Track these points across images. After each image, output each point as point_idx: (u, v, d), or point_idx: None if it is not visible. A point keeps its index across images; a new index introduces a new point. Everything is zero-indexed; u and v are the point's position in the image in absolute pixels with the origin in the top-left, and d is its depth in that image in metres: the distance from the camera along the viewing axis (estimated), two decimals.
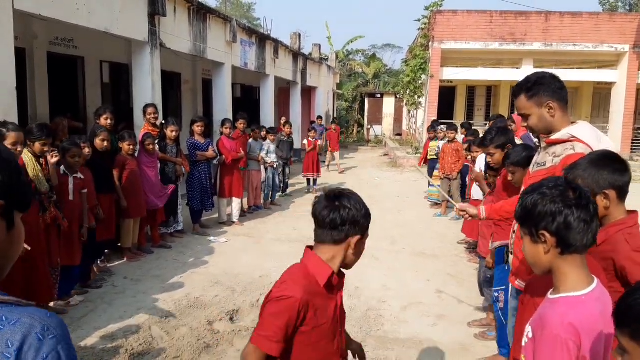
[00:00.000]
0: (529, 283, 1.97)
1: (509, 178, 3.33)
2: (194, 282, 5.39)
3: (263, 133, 9.09)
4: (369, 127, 28.24)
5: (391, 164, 17.07)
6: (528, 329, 1.53)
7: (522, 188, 2.33)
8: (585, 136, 2.31)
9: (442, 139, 9.19)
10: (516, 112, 2.63)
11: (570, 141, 2.32)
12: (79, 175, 4.74)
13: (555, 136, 2.38)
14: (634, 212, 1.99)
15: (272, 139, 9.23)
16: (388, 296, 5.04)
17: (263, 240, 7.18)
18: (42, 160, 4.28)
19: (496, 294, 3.56)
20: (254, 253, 6.53)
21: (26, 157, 4.11)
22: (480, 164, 5.32)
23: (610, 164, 1.92)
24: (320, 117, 16.47)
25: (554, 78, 2.40)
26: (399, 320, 4.50)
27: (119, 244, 6.10)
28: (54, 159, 4.32)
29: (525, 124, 2.49)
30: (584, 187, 1.55)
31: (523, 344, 1.55)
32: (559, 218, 1.44)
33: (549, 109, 2.36)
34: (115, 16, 7.25)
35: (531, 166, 2.62)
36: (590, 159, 1.97)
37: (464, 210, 3.01)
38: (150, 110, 6.73)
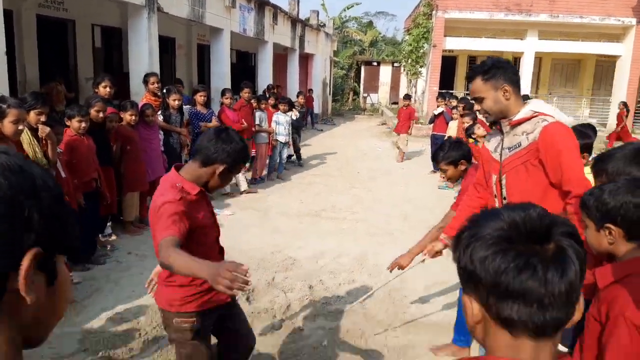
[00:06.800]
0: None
1: (442, 176, 3.56)
2: None
3: (271, 101, 8.66)
4: (365, 95, 27.75)
5: (390, 133, 16.75)
6: None
7: (500, 174, 2.49)
8: (545, 110, 2.44)
9: (455, 119, 8.85)
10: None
11: (536, 116, 2.40)
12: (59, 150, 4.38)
13: (519, 116, 2.43)
14: None
15: (283, 108, 8.81)
16: (408, 275, 4.82)
17: (270, 213, 6.91)
18: (41, 134, 3.92)
19: None
20: (261, 227, 6.27)
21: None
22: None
23: None
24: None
25: (510, 64, 2.50)
26: (424, 300, 4.32)
27: (121, 217, 5.80)
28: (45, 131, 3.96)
29: (479, 108, 2.52)
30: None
31: None
32: None
33: (504, 92, 2.41)
34: None
35: (495, 153, 2.58)
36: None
37: (433, 251, 3.16)
38: (152, 79, 6.33)
